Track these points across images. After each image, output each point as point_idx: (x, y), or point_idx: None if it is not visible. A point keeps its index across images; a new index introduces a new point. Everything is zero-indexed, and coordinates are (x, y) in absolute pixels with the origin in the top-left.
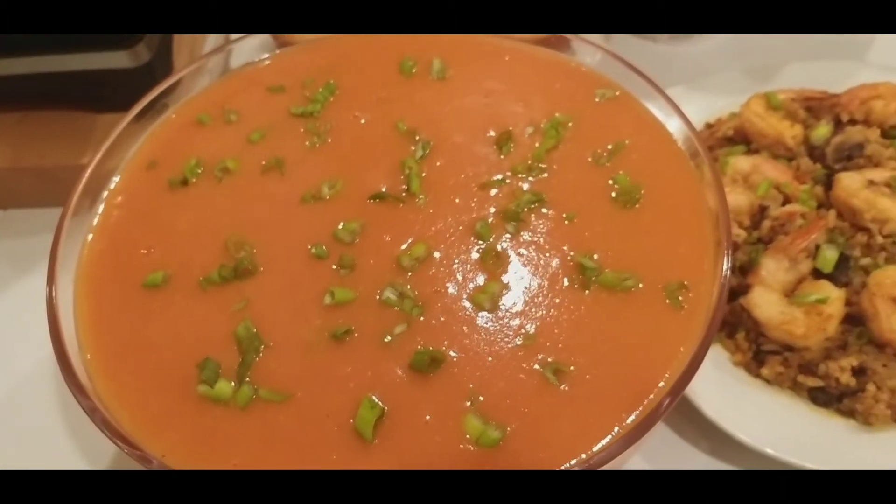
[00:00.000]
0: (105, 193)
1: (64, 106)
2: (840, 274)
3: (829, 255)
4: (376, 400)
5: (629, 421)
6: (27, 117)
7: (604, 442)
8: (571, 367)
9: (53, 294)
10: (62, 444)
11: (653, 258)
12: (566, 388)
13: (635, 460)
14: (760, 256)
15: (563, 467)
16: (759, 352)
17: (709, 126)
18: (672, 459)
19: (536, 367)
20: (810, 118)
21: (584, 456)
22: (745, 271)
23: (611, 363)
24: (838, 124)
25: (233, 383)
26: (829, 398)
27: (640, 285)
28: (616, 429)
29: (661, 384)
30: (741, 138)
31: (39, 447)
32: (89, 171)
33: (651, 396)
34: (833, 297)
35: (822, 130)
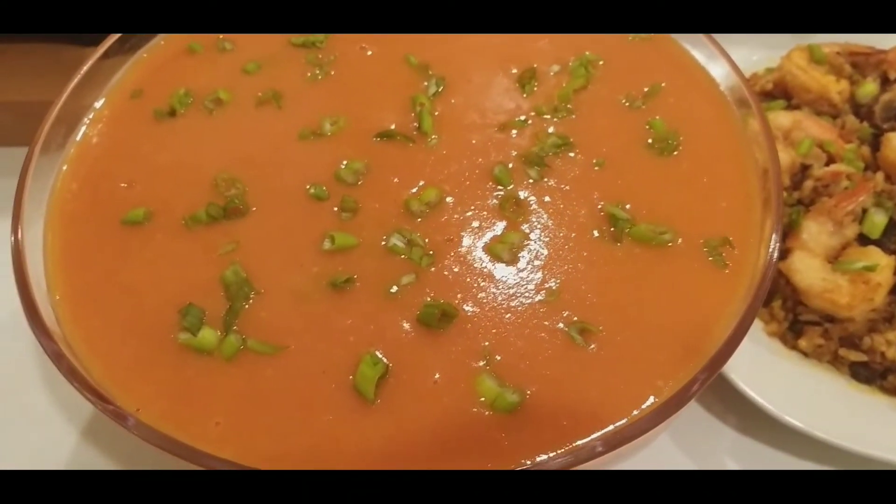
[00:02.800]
0: (84, 122)
1: (47, 39)
2: (888, 240)
3: (878, 220)
4: (379, 356)
5: (664, 390)
6: (8, 49)
7: (635, 412)
8: (600, 328)
9: (19, 227)
10: (39, 399)
11: (692, 211)
12: (594, 349)
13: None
14: (802, 219)
15: (589, 438)
16: (797, 322)
17: None
18: (698, 436)
19: (560, 325)
20: (856, 74)
21: (612, 427)
22: (784, 234)
23: (645, 325)
24: (885, 82)
25: (218, 332)
26: (871, 374)
27: (679, 240)
28: (651, 398)
29: (705, 350)
30: (781, 93)
31: (15, 402)
32: (64, 97)
33: (690, 364)
34: (882, 264)
35: (868, 87)
